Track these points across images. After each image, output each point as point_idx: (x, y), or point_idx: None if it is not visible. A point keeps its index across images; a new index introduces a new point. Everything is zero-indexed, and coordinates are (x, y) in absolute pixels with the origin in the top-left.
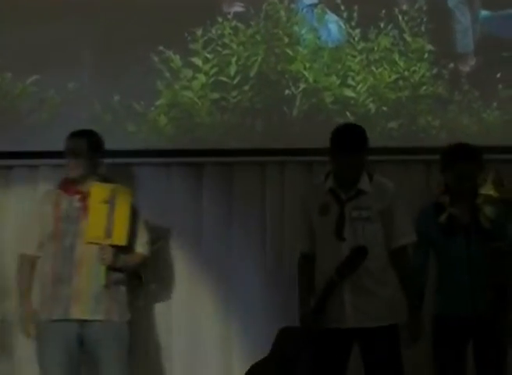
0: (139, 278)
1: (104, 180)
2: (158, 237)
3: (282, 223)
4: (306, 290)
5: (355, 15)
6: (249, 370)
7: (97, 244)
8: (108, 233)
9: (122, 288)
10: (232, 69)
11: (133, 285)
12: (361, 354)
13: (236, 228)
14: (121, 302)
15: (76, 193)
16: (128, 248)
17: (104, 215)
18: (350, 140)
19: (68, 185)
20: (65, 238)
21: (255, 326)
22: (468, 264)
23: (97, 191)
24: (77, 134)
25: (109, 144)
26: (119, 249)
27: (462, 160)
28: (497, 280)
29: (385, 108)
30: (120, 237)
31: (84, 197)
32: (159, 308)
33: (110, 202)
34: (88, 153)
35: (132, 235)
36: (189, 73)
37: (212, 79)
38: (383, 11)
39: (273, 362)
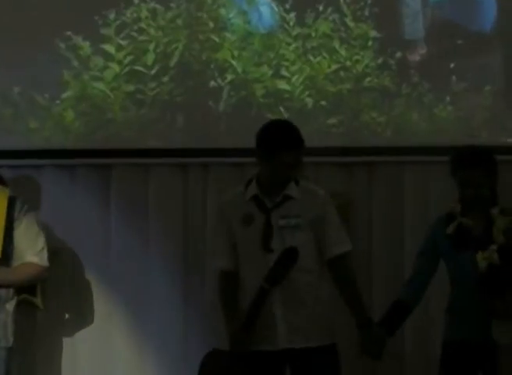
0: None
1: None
2: (59, 250)
3: (205, 234)
4: (230, 309)
5: None
6: None
7: None
8: None
9: (7, 307)
10: (150, 58)
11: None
12: None
13: (152, 240)
14: (1, 324)
15: None
16: (7, 259)
17: None
18: (289, 134)
19: None
20: None
21: (172, 355)
22: (477, 284)
23: None
24: None
25: (8, 143)
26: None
27: (464, 166)
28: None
29: (323, 103)
30: None
31: None
32: (59, 336)
33: None
34: None
35: (23, 242)
36: (100, 61)
37: (127, 69)
38: None
39: None
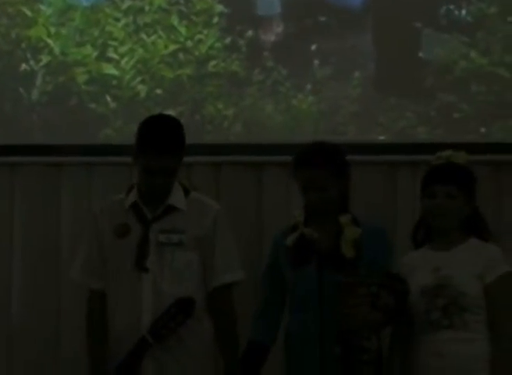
0: None
1: None
2: None
3: (33, 246)
4: (99, 344)
5: None
6: None
7: None
8: None
9: None
10: None
11: None
12: None
13: None
14: None
15: None
16: None
17: None
18: (155, 135)
19: None
20: None
21: None
22: (320, 308)
23: None
24: None
25: None
26: None
27: (307, 166)
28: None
29: (159, 91)
30: None
31: None
32: None
33: None
34: None
35: None
36: None
37: None
38: None
39: None
